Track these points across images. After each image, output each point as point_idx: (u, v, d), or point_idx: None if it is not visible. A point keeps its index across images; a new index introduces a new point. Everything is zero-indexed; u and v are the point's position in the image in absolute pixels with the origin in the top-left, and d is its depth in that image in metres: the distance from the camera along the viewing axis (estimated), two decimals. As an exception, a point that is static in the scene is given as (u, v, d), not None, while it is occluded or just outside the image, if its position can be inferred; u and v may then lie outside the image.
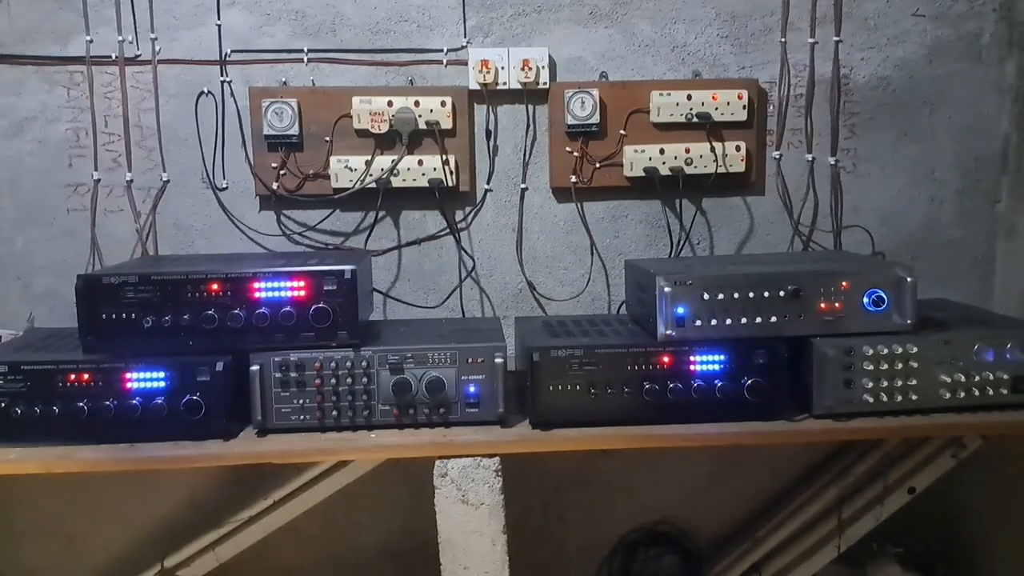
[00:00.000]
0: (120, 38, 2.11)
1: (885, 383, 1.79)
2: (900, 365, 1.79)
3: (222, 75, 2.14)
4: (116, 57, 2.12)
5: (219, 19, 2.13)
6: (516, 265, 2.24)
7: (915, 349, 1.78)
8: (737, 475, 2.31)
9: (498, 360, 1.78)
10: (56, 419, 1.70)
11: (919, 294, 1.81)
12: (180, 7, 2.13)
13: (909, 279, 1.78)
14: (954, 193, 2.30)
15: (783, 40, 2.20)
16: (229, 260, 1.98)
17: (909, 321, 1.79)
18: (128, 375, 1.72)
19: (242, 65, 2.15)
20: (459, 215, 2.23)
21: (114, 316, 1.72)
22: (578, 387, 1.78)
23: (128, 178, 2.16)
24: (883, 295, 1.79)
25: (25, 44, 2.11)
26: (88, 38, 2.11)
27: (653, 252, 2.26)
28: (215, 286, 1.74)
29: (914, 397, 1.80)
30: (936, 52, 2.24)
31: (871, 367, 1.78)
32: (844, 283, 1.79)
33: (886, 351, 1.78)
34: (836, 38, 2.21)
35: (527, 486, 2.23)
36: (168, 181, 2.17)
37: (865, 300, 1.79)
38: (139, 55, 2.13)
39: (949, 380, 1.80)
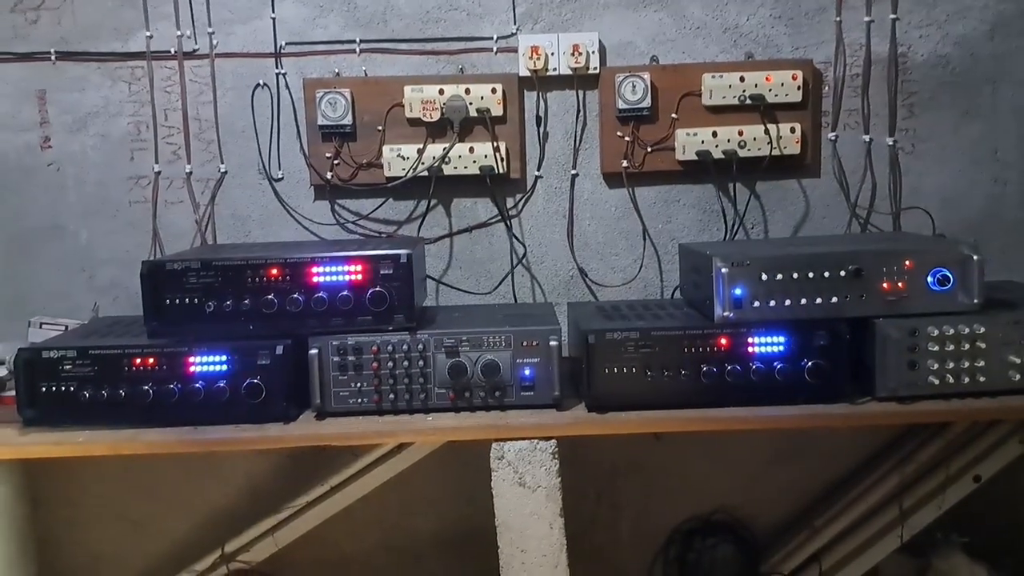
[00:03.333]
0: (178, 33, 2.16)
1: (951, 364, 1.74)
2: (967, 346, 1.74)
3: (277, 67, 2.18)
4: (175, 52, 2.17)
5: (273, 12, 2.17)
6: (567, 252, 2.23)
7: (982, 329, 1.74)
8: (795, 463, 2.27)
9: (553, 343, 1.78)
10: (122, 402, 1.74)
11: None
12: (235, 2, 2.17)
13: (976, 257, 1.73)
14: (1018, 174, 2.23)
15: (838, 19, 2.16)
16: (287, 247, 2.01)
17: (976, 301, 1.74)
18: (191, 359, 1.75)
19: (296, 57, 2.18)
20: (510, 202, 2.23)
21: (177, 301, 1.76)
22: (634, 370, 1.77)
23: (187, 170, 2.20)
24: (948, 274, 1.74)
25: (88, 41, 2.17)
26: (148, 34, 2.16)
27: (706, 237, 2.24)
28: (274, 271, 1.77)
29: (982, 379, 1.75)
30: (998, 28, 2.18)
31: (936, 348, 1.74)
32: (908, 262, 1.75)
33: (952, 331, 1.74)
34: (893, 16, 2.16)
35: (580, 474, 2.21)
36: (226, 172, 2.21)
37: (930, 279, 1.75)
38: (197, 49, 2.18)
39: (1018, 361, 1.74)
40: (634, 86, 2.14)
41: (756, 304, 1.76)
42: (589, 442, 1.84)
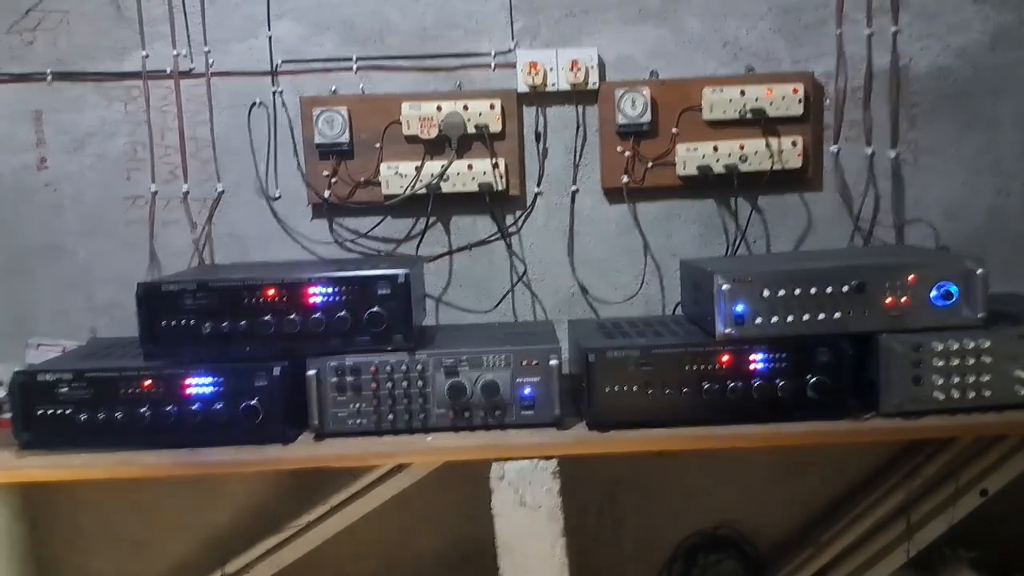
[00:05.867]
0: (174, 52, 2.16)
1: (956, 379, 1.72)
2: (972, 360, 1.72)
3: (273, 85, 2.17)
4: (171, 71, 2.17)
5: (269, 30, 2.16)
6: (568, 268, 2.22)
7: (987, 344, 1.72)
8: (799, 477, 2.25)
9: (553, 362, 1.76)
10: (119, 425, 1.73)
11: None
12: (231, 20, 2.16)
13: (979, 271, 1.72)
14: (1022, 185, 2.21)
15: (839, 32, 2.15)
16: (284, 267, 2.00)
17: (980, 315, 1.73)
18: (188, 381, 1.74)
19: (292, 75, 2.17)
20: (509, 219, 2.22)
21: (173, 323, 1.75)
22: (635, 388, 1.76)
23: (184, 190, 2.19)
24: (952, 288, 1.73)
25: (84, 61, 2.16)
26: (144, 53, 2.15)
27: (708, 252, 2.23)
28: (271, 292, 1.75)
29: (987, 394, 1.73)
30: (1000, 39, 2.17)
31: (941, 363, 1.72)
32: (911, 277, 1.73)
33: (956, 346, 1.72)
34: (894, 28, 2.15)
35: (583, 490, 2.20)
36: (223, 192, 2.20)
37: (933, 294, 1.73)
38: (193, 68, 2.17)
39: (1024, 376, 1.73)
40: (634, 101, 2.13)
41: (758, 320, 1.75)
42: (591, 459, 1.82)
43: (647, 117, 2.13)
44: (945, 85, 2.18)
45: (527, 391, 1.77)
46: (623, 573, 2.31)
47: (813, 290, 1.74)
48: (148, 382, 1.74)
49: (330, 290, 1.76)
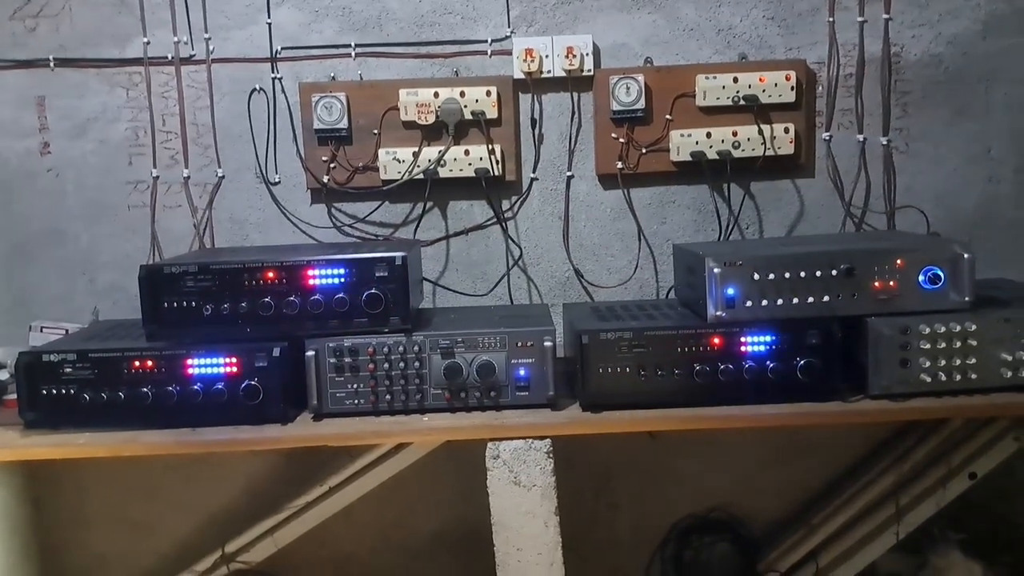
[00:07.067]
0: (175, 39, 2.18)
1: (943, 362, 1.75)
2: (958, 344, 1.75)
3: (273, 72, 2.20)
4: (172, 57, 2.19)
5: (269, 17, 2.18)
6: (563, 253, 2.25)
7: (973, 327, 1.75)
8: (791, 461, 2.28)
9: (547, 343, 1.79)
10: (122, 405, 1.76)
11: (977, 275, 1.76)
12: (231, 7, 2.19)
13: (966, 255, 1.74)
14: (1012, 172, 2.24)
15: (831, 19, 2.17)
16: (284, 250, 2.03)
17: (967, 299, 1.75)
18: (190, 361, 1.77)
19: (292, 62, 2.20)
20: (505, 204, 2.25)
21: (175, 304, 1.78)
22: (628, 369, 1.78)
23: (185, 174, 2.22)
24: (939, 272, 1.75)
25: (86, 48, 2.19)
26: (145, 40, 2.18)
27: (701, 237, 2.25)
28: (271, 274, 1.78)
29: (973, 376, 1.76)
30: (991, 27, 2.19)
31: (928, 346, 1.75)
32: (899, 261, 1.76)
33: (943, 329, 1.75)
34: (886, 16, 2.17)
35: (577, 473, 2.22)
36: (223, 177, 2.23)
37: (921, 278, 1.76)
38: (194, 55, 2.20)
39: (1010, 358, 1.75)
40: (628, 88, 2.15)
41: (748, 304, 1.77)
42: (586, 442, 1.86)
43: (641, 103, 2.15)
44: (936, 72, 2.21)
45: (522, 372, 1.80)
46: (618, 555, 2.34)
47: (803, 274, 1.76)
48: (150, 363, 1.77)
49: (329, 272, 1.79)
